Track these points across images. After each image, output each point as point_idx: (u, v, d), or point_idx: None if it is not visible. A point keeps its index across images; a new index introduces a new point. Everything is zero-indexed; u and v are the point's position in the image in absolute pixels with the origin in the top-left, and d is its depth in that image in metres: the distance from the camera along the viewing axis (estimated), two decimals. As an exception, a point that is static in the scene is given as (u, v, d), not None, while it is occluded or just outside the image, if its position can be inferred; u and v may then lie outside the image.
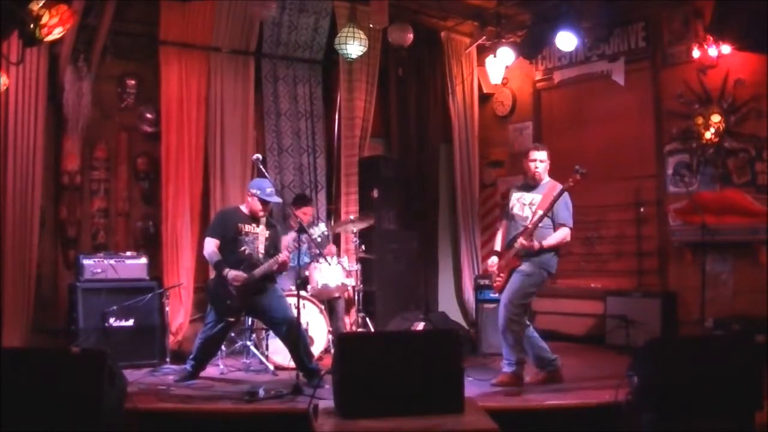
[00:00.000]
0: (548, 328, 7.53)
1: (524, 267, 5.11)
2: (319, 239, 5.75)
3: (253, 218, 5.46)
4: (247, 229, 5.42)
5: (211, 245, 5.41)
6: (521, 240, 5.07)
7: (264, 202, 5.40)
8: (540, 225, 5.11)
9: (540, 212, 5.10)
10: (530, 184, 5.34)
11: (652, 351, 3.96)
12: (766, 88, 6.18)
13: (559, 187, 5.21)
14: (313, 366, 5.26)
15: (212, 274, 5.71)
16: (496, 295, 5.35)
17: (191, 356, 5.52)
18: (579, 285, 7.58)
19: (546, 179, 5.31)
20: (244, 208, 5.54)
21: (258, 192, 5.39)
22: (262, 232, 5.46)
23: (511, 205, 5.35)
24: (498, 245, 5.43)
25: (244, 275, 5.24)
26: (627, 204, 7.23)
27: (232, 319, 5.41)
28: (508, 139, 8.37)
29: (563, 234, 5.17)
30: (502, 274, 5.22)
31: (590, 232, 7.51)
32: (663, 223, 6.92)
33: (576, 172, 5.07)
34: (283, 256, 5.33)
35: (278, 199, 5.50)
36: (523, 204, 5.26)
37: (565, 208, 5.18)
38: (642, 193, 7.12)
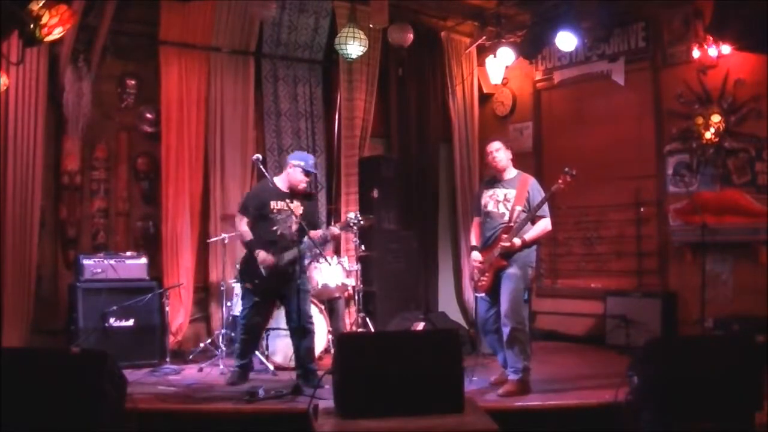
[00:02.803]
0: (548, 328, 7.57)
1: (511, 270, 5.03)
2: (352, 225, 5.61)
3: (288, 193, 5.29)
4: (279, 206, 5.24)
5: (241, 223, 5.32)
6: (502, 243, 5.03)
7: (307, 173, 5.30)
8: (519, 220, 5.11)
9: (518, 208, 5.09)
10: (498, 178, 5.28)
11: (652, 351, 3.95)
12: (766, 88, 6.18)
13: (530, 179, 5.22)
14: (311, 367, 5.22)
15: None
16: (482, 294, 5.24)
17: (237, 355, 5.43)
18: (579, 285, 7.58)
19: (514, 172, 5.27)
20: (279, 181, 5.36)
21: (302, 163, 5.28)
22: (296, 207, 5.23)
23: (483, 202, 5.26)
24: (474, 240, 5.36)
25: (272, 260, 5.13)
26: (627, 204, 7.23)
27: (258, 299, 5.29)
28: (508, 139, 8.31)
29: (544, 225, 5.14)
30: (487, 274, 5.14)
31: (590, 232, 7.52)
32: (663, 223, 6.92)
33: (566, 173, 5.05)
34: (321, 233, 5.26)
35: (318, 172, 5.37)
36: (497, 201, 5.18)
37: (540, 196, 5.13)
38: (642, 193, 7.13)
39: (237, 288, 6.14)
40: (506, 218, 5.12)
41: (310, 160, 5.38)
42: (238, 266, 5.68)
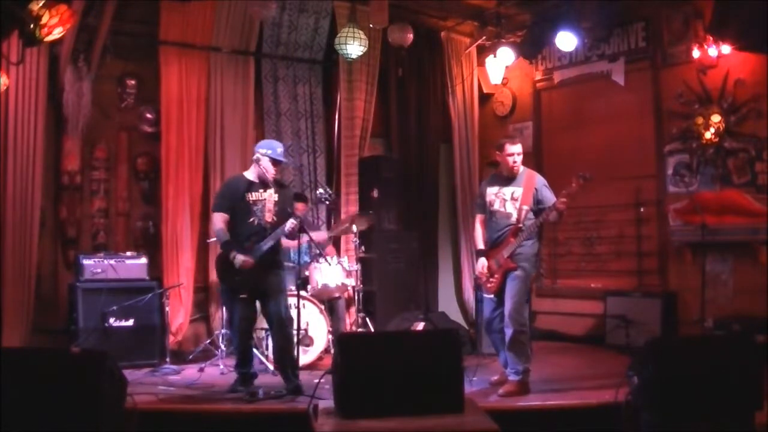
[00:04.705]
0: (548, 328, 7.56)
1: (520, 272, 5.01)
2: (324, 200, 5.47)
3: (259, 184, 5.17)
4: (254, 197, 5.12)
5: (219, 221, 5.16)
6: (514, 240, 5.01)
7: (275, 162, 5.14)
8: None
9: (525, 207, 5.05)
10: (506, 176, 5.19)
11: (652, 351, 3.95)
12: (766, 88, 6.18)
13: (536, 176, 5.17)
14: (292, 375, 5.03)
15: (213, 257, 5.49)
16: (491, 296, 5.21)
17: (236, 364, 5.26)
18: (579, 285, 7.58)
19: (521, 169, 5.19)
20: (249, 174, 5.23)
21: (269, 152, 5.14)
22: (270, 197, 5.12)
23: (489, 200, 5.19)
24: (481, 243, 5.29)
25: (252, 261, 5.00)
26: (627, 204, 7.23)
27: (244, 296, 5.11)
28: (508, 139, 8.37)
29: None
30: (496, 276, 5.10)
31: (590, 232, 7.51)
32: (663, 223, 6.92)
33: (579, 177, 4.97)
34: (288, 225, 5.01)
35: (289, 161, 5.19)
36: (504, 199, 5.12)
37: (549, 192, 5.11)
38: (642, 193, 7.12)
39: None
40: (513, 218, 5.07)
41: (278, 148, 5.20)
42: (216, 268, 5.40)
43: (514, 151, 5.13)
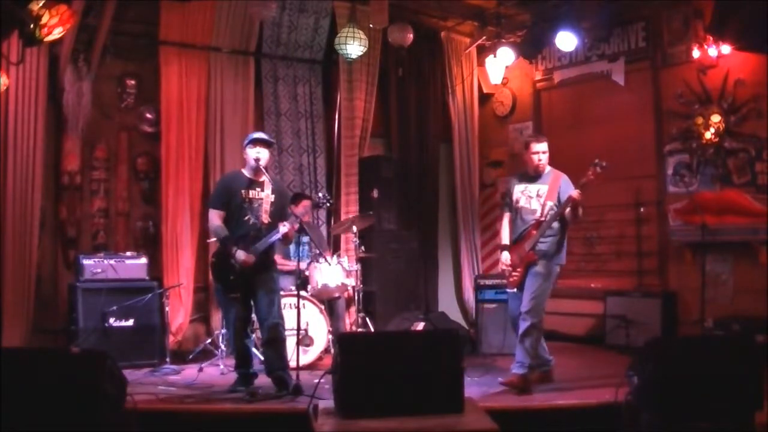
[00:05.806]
0: (548, 328, 7.48)
1: (540, 267, 5.04)
2: (321, 205, 5.54)
3: (257, 182, 5.12)
4: (251, 195, 5.08)
5: (216, 218, 5.11)
6: (536, 233, 5.03)
7: (257, 142, 5.08)
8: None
9: (549, 203, 5.11)
10: (532, 175, 5.27)
11: (652, 351, 3.95)
12: (766, 88, 6.18)
13: (562, 175, 5.22)
14: (282, 374, 4.97)
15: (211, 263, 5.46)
16: (513, 290, 5.20)
17: (235, 364, 5.23)
18: (579, 285, 7.57)
19: (548, 169, 5.27)
20: (246, 171, 5.19)
21: (247, 138, 5.18)
22: (266, 197, 5.09)
23: (515, 198, 5.27)
24: (506, 239, 5.32)
25: (253, 258, 4.96)
26: (627, 204, 7.23)
27: (237, 295, 5.06)
28: (508, 139, 8.38)
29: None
30: (518, 269, 5.14)
31: (590, 232, 7.51)
32: (663, 223, 6.92)
33: (595, 165, 5.04)
34: (284, 228, 4.99)
35: (270, 140, 5.25)
36: (529, 196, 5.21)
37: (571, 190, 5.12)
38: (642, 193, 7.13)
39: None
40: (537, 214, 5.14)
41: (257, 133, 5.23)
42: (211, 267, 5.42)
43: (539, 149, 5.21)
